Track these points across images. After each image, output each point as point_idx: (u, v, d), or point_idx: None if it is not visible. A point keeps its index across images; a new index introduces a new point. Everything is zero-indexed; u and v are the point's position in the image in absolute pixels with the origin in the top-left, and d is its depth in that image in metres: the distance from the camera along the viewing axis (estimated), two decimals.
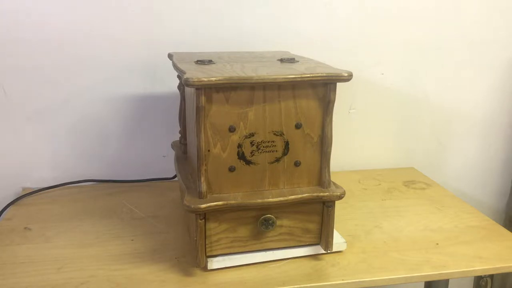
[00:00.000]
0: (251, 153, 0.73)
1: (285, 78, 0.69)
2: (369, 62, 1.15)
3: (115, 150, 1.10)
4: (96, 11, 0.99)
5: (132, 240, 0.85)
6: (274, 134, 0.73)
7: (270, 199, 0.73)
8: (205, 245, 0.74)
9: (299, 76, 0.70)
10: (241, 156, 0.72)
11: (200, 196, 0.72)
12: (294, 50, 0.99)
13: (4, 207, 0.96)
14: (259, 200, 0.73)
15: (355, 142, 1.20)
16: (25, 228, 0.89)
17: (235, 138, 0.71)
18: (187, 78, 0.65)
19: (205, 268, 0.75)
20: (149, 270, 0.76)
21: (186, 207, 0.71)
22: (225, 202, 0.71)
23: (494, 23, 1.18)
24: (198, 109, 0.68)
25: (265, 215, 0.74)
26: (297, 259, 0.79)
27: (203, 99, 0.67)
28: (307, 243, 0.79)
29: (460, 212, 0.97)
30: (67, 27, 0.99)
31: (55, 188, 1.05)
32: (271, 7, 1.06)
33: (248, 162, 0.73)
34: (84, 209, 0.96)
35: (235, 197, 0.73)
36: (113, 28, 1.01)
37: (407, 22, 1.13)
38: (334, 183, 0.78)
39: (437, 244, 0.85)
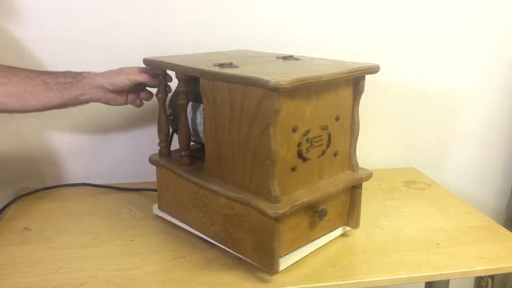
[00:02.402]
0: (306, 150, 0.73)
1: (345, 74, 0.73)
2: (369, 62, 1.14)
3: (115, 151, 1.09)
4: (96, 11, 0.99)
5: (132, 240, 0.85)
6: (322, 128, 0.74)
7: (330, 191, 0.75)
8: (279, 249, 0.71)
9: (352, 70, 0.74)
10: (299, 155, 0.72)
11: (275, 200, 0.69)
12: (294, 50, 0.99)
13: (4, 207, 0.96)
14: (323, 195, 0.74)
15: None
16: (25, 228, 0.88)
17: (296, 137, 0.71)
18: (268, 81, 0.63)
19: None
20: (149, 270, 0.75)
21: (264, 214, 0.68)
22: (300, 202, 0.71)
23: (494, 23, 1.17)
24: (273, 113, 0.66)
25: (320, 207, 0.76)
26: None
27: (278, 101, 0.65)
28: (339, 226, 0.83)
29: (461, 212, 0.97)
30: (67, 27, 0.99)
31: (54, 188, 1.05)
32: (271, 7, 1.06)
33: (305, 159, 0.73)
34: (83, 209, 0.96)
35: (303, 196, 0.72)
36: (113, 28, 1.01)
37: (407, 22, 1.13)
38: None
39: (438, 244, 0.85)
